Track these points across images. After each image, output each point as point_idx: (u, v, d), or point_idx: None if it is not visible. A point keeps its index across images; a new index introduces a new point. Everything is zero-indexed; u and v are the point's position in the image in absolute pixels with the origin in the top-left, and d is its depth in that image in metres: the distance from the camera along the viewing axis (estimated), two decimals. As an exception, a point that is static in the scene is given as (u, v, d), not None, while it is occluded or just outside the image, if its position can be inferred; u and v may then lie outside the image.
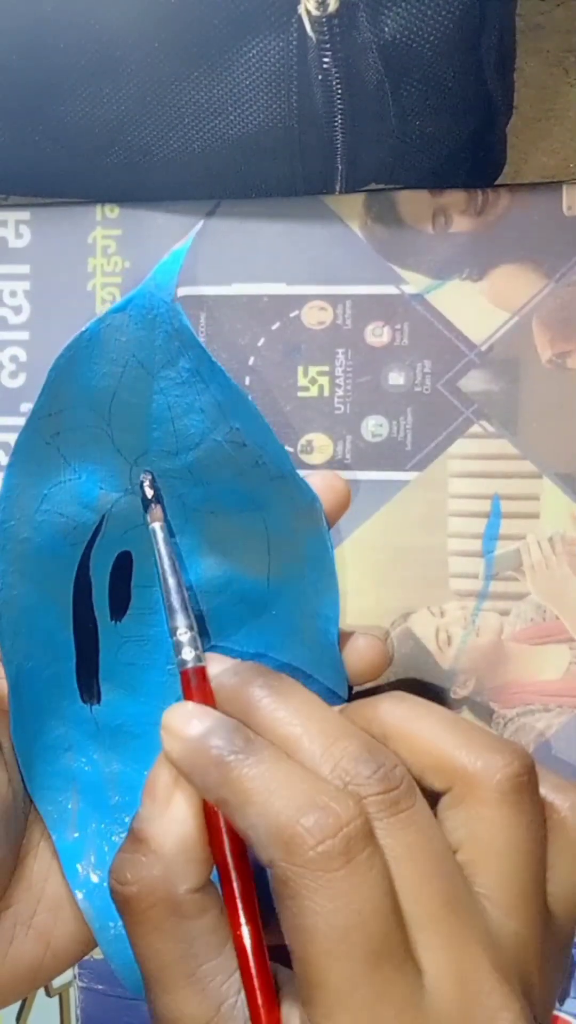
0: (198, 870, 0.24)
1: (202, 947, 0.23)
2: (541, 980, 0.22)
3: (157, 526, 0.27)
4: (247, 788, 0.22)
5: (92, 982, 0.38)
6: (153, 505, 0.27)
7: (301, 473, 0.28)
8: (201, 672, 0.25)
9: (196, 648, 0.25)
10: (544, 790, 0.24)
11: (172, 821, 0.24)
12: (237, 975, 0.23)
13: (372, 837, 0.21)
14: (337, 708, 0.25)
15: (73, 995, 0.38)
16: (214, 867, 0.24)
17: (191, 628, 0.26)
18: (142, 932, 0.23)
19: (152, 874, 0.23)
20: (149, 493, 0.27)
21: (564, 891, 0.24)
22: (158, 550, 0.27)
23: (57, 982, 0.39)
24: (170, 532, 0.27)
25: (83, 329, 0.26)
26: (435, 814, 0.23)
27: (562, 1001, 0.36)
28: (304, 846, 0.20)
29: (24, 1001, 0.39)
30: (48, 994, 0.39)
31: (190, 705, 0.25)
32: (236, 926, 0.23)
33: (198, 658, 0.25)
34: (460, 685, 0.34)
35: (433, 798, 0.23)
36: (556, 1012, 0.36)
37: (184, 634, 0.26)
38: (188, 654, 0.25)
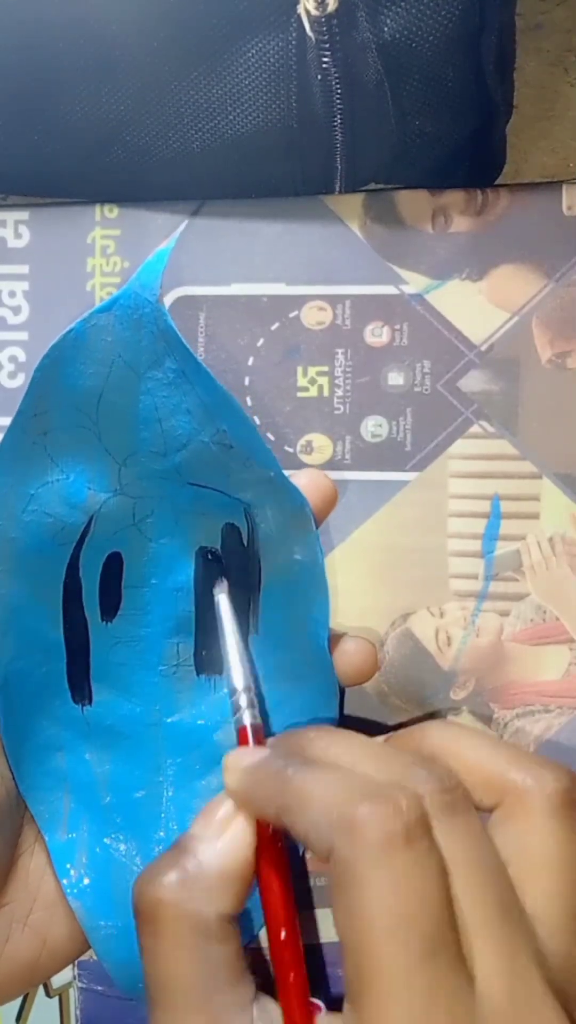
0: (234, 899, 0.24)
1: (219, 976, 0.23)
2: None
3: (223, 597, 0.28)
4: (308, 790, 0.22)
5: (92, 982, 0.38)
6: (221, 578, 0.28)
7: (293, 472, 0.28)
8: (258, 729, 0.26)
9: (253, 707, 0.27)
10: None
11: (224, 845, 0.24)
12: (248, 1010, 0.23)
13: (430, 829, 0.21)
14: (383, 737, 0.26)
15: (73, 995, 0.38)
16: (244, 906, 0.24)
17: (248, 690, 0.27)
18: (162, 944, 0.23)
19: (188, 886, 0.24)
20: (215, 578, 0.28)
21: None
22: (221, 620, 0.28)
23: (57, 982, 0.39)
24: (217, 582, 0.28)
25: (68, 329, 0.25)
26: None
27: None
28: (366, 828, 0.21)
29: (24, 1002, 0.39)
30: (48, 994, 0.39)
31: (244, 747, 0.26)
32: (276, 935, 0.24)
33: (255, 716, 0.27)
34: (460, 686, 0.34)
35: (481, 818, 0.23)
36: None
37: (242, 697, 0.27)
38: (246, 716, 0.27)
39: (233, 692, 0.27)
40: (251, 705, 0.27)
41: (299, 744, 0.25)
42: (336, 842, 0.21)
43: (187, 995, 0.23)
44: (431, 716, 0.34)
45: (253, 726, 0.26)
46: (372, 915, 0.20)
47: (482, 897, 0.21)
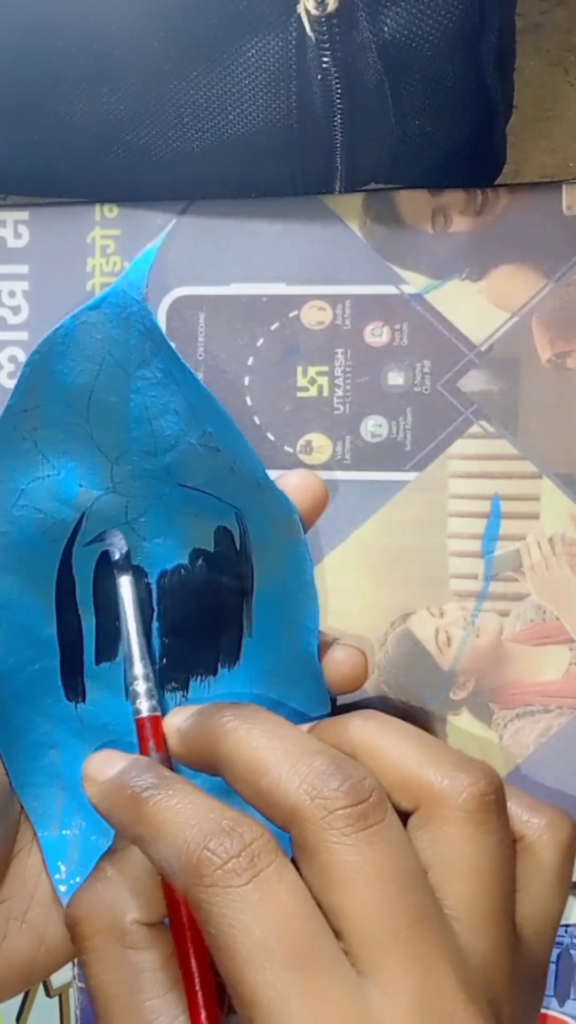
0: (148, 905, 0.24)
1: (148, 982, 0.23)
2: (511, 1004, 0.22)
3: (126, 579, 0.27)
4: (159, 821, 0.22)
5: (91, 983, 0.38)
6: (123, 562, 0.28)
7: (285, 472, 0.27)
8: (155, 720, 0.26)
9: (152, 698, 0.26)
10: (519, 809, 0.24)
11: (131, 855, 0.25)
12: (183, 1018, 0.23)
13: (278, 852, 0.21)
14: (308, 725, 0.25)
15: (73, 995, 0.38)
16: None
17: (148, 679, 0.27)
18: (89, 960, 0.24)
19: (102, 900, 0.24)
20: (120, 550, 0.28)
21: (535, 913, 0.23)
22: (123, 602, 0.27)
23: (57, 982, 0.39)
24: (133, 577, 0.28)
25: (58, 325, 0.25)
26: None
27: (562, 1002, 0.36)
28: (211, 866, 0.21)
29: (24, 1001, 0.39)
30: (48, 994, 0.39)
31: (104, 752, 0.26)
32: (185, 961, 0.23)
33: (153, 708, 0.26)
34: (460, 686, 0.34)
35: (403, 817, 0.23)
36: (557, 1014, 0.36)
37: (141, 685, 0.27)
38: (143, 704, 0.26)
39: (131, 680, 0.27)
40: (150, 696, 0.26)
41: (212, 734, 0.24)
42: (185, 881, 0.21)
43: (116, 1004, 0.23)
44: (432, 716, 0.34)
45: (151, 718, 0.26)
46: (234, 944, 0.20)
47: (393, 910, 0.21)
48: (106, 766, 0.25)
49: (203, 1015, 0.23)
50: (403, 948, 0.20)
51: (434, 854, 0.22)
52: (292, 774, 0.22)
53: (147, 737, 0.26)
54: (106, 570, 0.28)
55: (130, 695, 0.27)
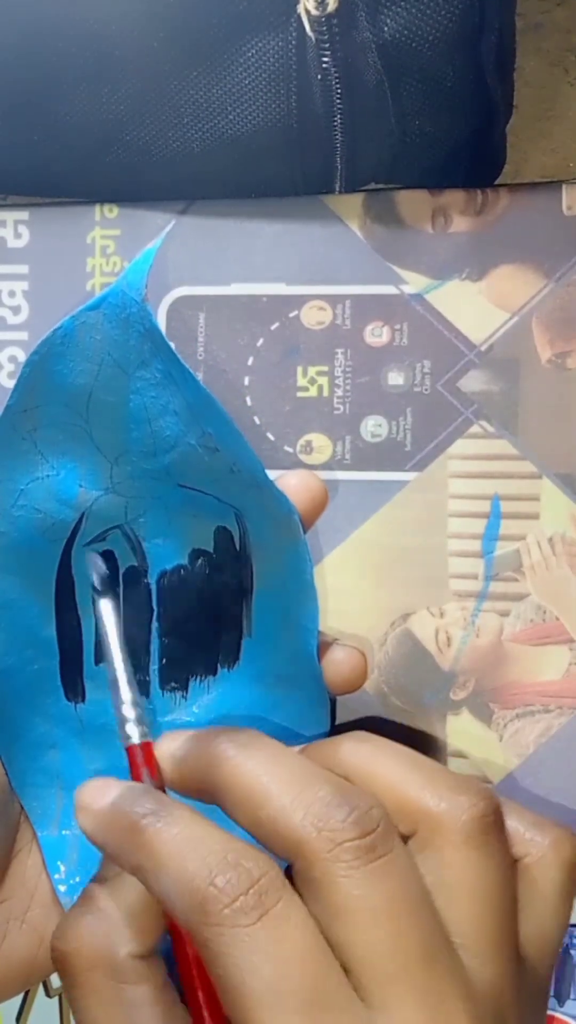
0: (143, 937, 0.23)
1: (143, 1017, 0.22)
2: None
3: (106, 603, 0.27)
4: (160, 852, 0.21)
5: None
6: (101, 582, 0.27)
7: (285, 472, 0.27)
8: (147, 747, 0.25)
9: (142, 724, 0.25)
10: (522, 827, 0.24)
11: (123, 884, 0.24)
12: None
13: (285, 887, 0.21)
14: (298, 748, 0.25)
15: (72, 996, 0.38)
16: (160, 939, 0.24)
17: (136, 705, 0.26)
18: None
19: (94, 933, 0.23)
20: (99, 572, 0.27)
21: (539, 932, 0.23)
22: (104, 627, 0.26)
23: (57, 983, 0.39)
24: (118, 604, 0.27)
25: (57, 325, 0.25)
26: None
27: (562, 1002, 0.36)
28: (218, 905, 0.20)
29: (24, 1001, 0.39)
30: (48, 994, 0.39)
31: (97, 779, 0.24)
32: (191, 990, 0.23)
33: (144, 734, 0.25)
34: (460, 686, 0.34)
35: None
36: (556, 1014, 0.36)
37: (129, 711, 0.25)
38: (133, 730, 0.25)
39: (118, 706, 0.26)
40: (139, 722, 0.25)
41: (209, 761, 0.23)
42: (191, 919, 0.20)
43: None
44: (430, 717, 0.34)
45: (142, 744, 0.25)
46: (242, 986, 0.20)
47: (404, 945, 0.20)
48: (101, 794, 0.24)
49: None
50: (414, 983, 0.20)
51: (435, 879, 0.22)
52: (296, 805, 0.21)
53: (139, 764, 0.25)
54: (100, 569, 0.28)
55: (118, 722, 0.26)
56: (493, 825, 0.22)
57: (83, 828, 0.24)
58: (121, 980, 0.23)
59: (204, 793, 0.23)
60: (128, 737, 0.25)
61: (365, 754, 0.23)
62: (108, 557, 0.28)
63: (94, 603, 0.27)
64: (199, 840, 0.21)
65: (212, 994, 0.23)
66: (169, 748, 0.25)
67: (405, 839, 0.22)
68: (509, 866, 0.23)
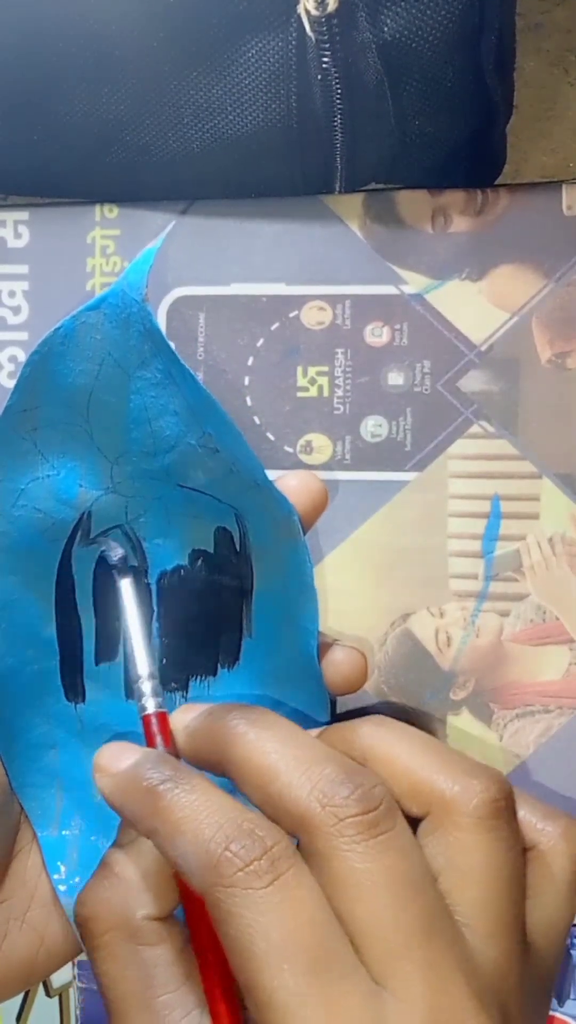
0: (159, 899, 0.24)
1: (161, 977, 0.23)
2: (520, 1011, 0.22)
3: (126, 583, 0.27)
4: (177, 817, 0.22)
5: (91, 982, 0.38)
6: (121, 565, 0.27)
7: (285, 472, 0.27)
8: (162, 717, 0.26)
9: (158, 695, 0.26)
10: (533, 817, 0.24)
11: (139, 849, 0.24)
12: (196, 1012, 0.23)
13: (296, 857, 0.21)
14: (317, 731, 0.25)
15: (73, 995, 0.38)
16: (178, 904, 0.24)
17: (153, 677, 0.26)
18: (100, 958, 0.24)
19: (110, 897, 0.24)
20: (117, 554, 0.27)
21: (546, 920, 0.23)
22: (125, 606, 0.27)
23: (57, 982, 0.39)
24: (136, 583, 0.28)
25: (57, 325, 0.25)
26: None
27: (562, 1002, 0.36)
28: (233, 867, 0.21)
29: (24, 1001, 0.39)
30: (48, 994, 0.39)
31: (116, 744, 0.25)
32: (203, 956, 0.23)
33: (159, 704, 0.26)
34: (460, 686, 0.34)
35: (413, 824, 0.23)
36: (556, 1014, 0.36)
37: (146, 684, 0.26)
38: (149, 701, 0.26)
39: (136, 679, 0.26)
40: (156, 693, 0.26)
41: (223, 737, 0.24)
42: (206, 880, 0.21)
43: (128, 1000, 0.23)
44: (430, 717, 0.34)
45: (157, 714, 0.26)
46: (252, 945, 0.20)
47: (405, 917, 0.21)
48: (119, 757, 0.25)
49: (225, 1010, 0.23)
50: (416, 956, 0.20)
51: (445, 860, 0.22)
52: (303, 781, 0.22)
53: (154, 733, 0.26)
54: (106, 570, 0.28)
55: (135, 694, 0.26)
56: (504, 810, 0.23)
57: (101, 790, 0.25)
58: (138, 941, 0.23)
59: (216, 766, 0.24)
60: (144, 708, 0.26)
61: (382, 737, 0.24)
62: (108, 557, 0.28)
63: (115, 583, 0.28)
64: (215, 807, 0.22)
65: (223, 960, 0.23)
66: (183, 720, 0.26)
67: (419, 820, 0.23)
68: (518, 851, 0.23)
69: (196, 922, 0.24)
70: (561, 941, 0.24)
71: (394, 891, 0.21)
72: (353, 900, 0.21)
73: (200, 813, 0.22)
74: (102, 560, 0.28)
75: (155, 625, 0.29)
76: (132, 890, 0.24)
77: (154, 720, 0.26)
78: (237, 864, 0.21)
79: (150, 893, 0.24)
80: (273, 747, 0.23)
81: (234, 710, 0.24)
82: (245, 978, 0.21)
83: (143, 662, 0.26)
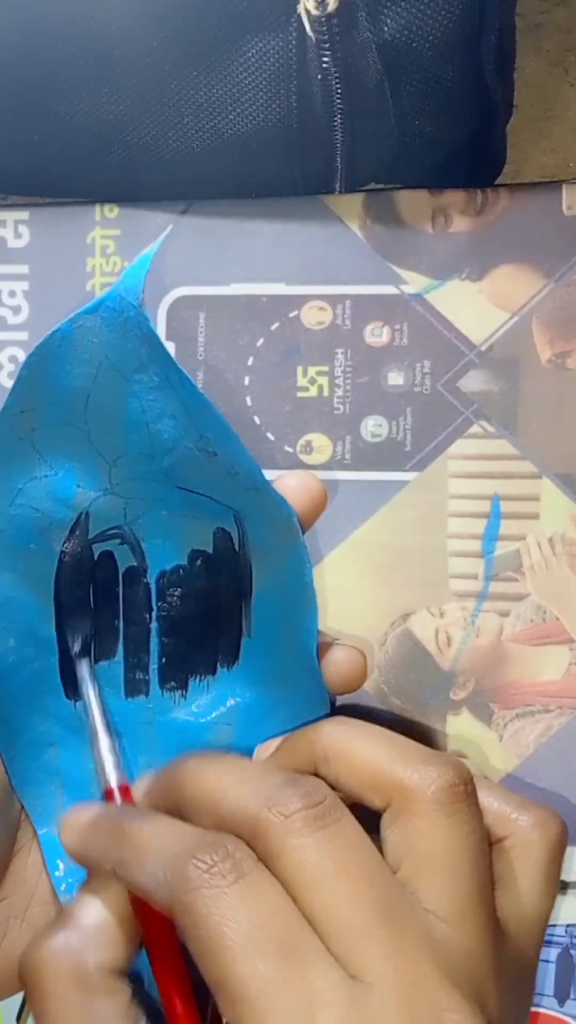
0: (113, 950, 0.24)
1: None
2: (499, 999, 0.22)
3: (84, 664, 0.28)
4: (144, 840, 0.23)
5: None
6: (79, 648, 0.28)
7: (284, 472, 0.27)
8: (124, 789, 0.27)
9: (119, 769, 0.27)
10: (508, 808, 0.25)
11: (97, 901, 0.25)
12: None
13: (258, 863, 0.22)
14: (280, 738, 0.27)
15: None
16: (134, 958, 0.25)
17: (113, 752, 0.27)
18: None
19: (63, 945, 0.24)
20: (76, 646, 0.28)
21: (522, 910, 0.24)
22: (83, 684, 0.28)
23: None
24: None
25: (55, 328, 0.25)
26: (379, 834, 0.23)
27: (562, 1002, 0.36)
28: (197, 872, 0.21)
29: (24, 1000, 0.39)
30: (48, 994, 0.39)
31: (79, 804, 0.27)
32: (169, 995, 0.24)
33: (121, 778, 0.27)
34: (460, 686, 0.34)
35: (376, 817, 0.24)
36: (557, 1014, 0.36)
37: (108, 759, 0.27)
38: (112, 777, 0.27)
39: (97, 756, 0.27)
40: (117, 767, 0.27)
41: (175, 783, 0.25)
42: (174, 888, 0.22)
43: None
44: (430, 717, 0.34)
45: (120, 787, 0.27)
46: (220, 937, 0.21)
47: (360, 901, 0.21)
48: (82, 812, 0.26)
49: None
50: (376, 938, 0.21)
51: (406, 848, 0.23)
52: (250, 793, 0.23)
53: (118, 803, 0.27)
54: (105, 569, 0.28)
55: (97, 771, 0.27)
56: (463, 795, 0.23)
57: (67, 846, 0.26)
58: (88, 991, 0.23)
59: (174, 812, 0.25)
60: (108, 782, 0.27)
61: (341, 734, 0.25)
62: (108, 557, 0.28)
63: (76, 670, 0.28)
64: (178, 830, 0.23)
65: (188, 994, 0.23)
66: (141, 786, 0.27)
67: (380, 813, 0.24)
68: (481, 835, 0.23)
69: (160, 958, 0.24)
70: (539, 932, 0.24)
71: (346, 879, 0.21)
72: (309, 891, 0.21)
73: (164, 834, 0.23)
74: (101, 559, 0.28)
75: (154, 625, 0.29)
76: (87, 938, 0.24)
77: (116, 793, 0.27)
78: (203, 868, 0.21)
79: (105, 943, 0.24)
80: (220, 774, 0.24)
81: (184, 758, 0.25)
82: (217, 974, 0.21)
83: (103, 739, 0.27)
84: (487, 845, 0.24)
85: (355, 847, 0.22)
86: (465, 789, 0.23)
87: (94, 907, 0.25)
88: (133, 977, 0.24)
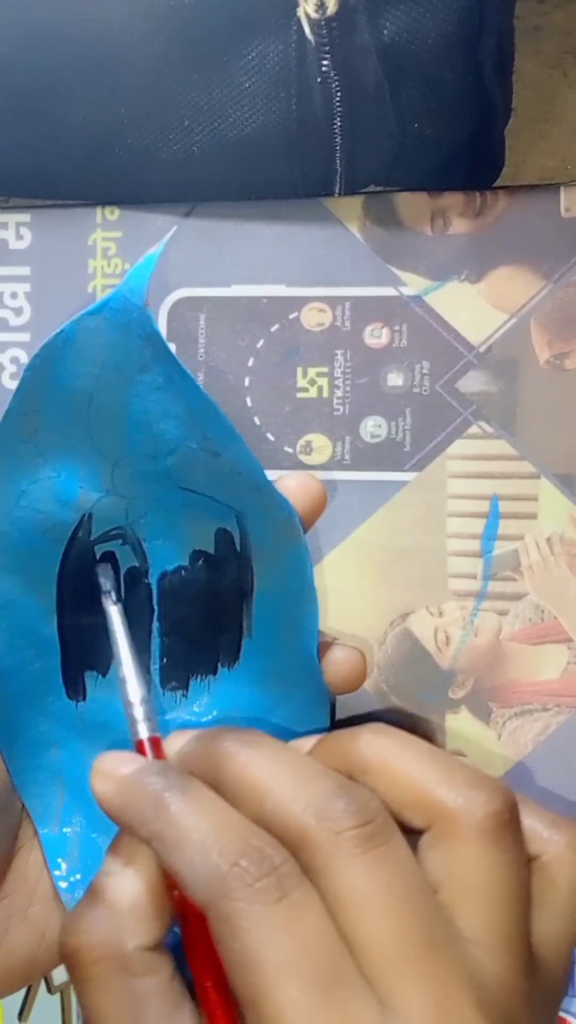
0: (150, 928, 0.23)
1: (152, 1009, 0.22)
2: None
3: (114, 610, 0.27)
4: (185, 825, 0.22)
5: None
6: (111, 590, 0.28)
7: (284, 473, 0.28)
8: (155, 741, 0.26)
9: (150, 720, 0.26)
10: (540, 826, 0.24)
11: (129, 876, 0.24)
12: None
13: (302, 878, 0.21)
14: (315, 739, 0.25)
15: (74, 992, 0.39)
16: (169, 931, 0.24)
17: (145, 702, 0.26)
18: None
19: (101, 927, 0.23)
20: (108, 582, 0.28)
21: (553, 932, 0.23)
22: (114, 631, 0.27)
23: (59, 979, 0.39)
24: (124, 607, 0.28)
25: (59, 330, 0.26)
26: (415, 852, 0.23)
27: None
28: (241, 883, 0.21)
29: (25, 998, 0.39)
30: (50, 991, 0.39)
31: (117, 751, 0.25)
32: (201, 974, 0.23)
33: (152, 729, 0.26)
34: (459, 685, 0.34)
35: (414, 835, 0.23)
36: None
37: (138, 710, 0.26)
38: (142, 728, 0.26)
39: (129, 705, 0.26)
40: (148, 718, 0.26)
41: (216, 758, 0.24)
42: (213, 893, 0.21)
43: None
44: (429, 716, 0.34)
45: (151, 739, 0.26)
46: (260, 959, 0.20)
47: (405, 931, 0.21)
48: (122, 763, 0.24)
49: None
50: (417, 971, 0.20)
51: (447, 873, 0.22)
52: (297, 797, 0.22)
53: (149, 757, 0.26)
54: (107, 571, 0.28)
55: (128, 720, 0.26)
56: (508, 823, 0.22)
57: (100, 793, 0.24)
58: (129, 972, 0.23)
59: (210, 784, 0.24)
60: (137, 733, 0.26)
61: (382, 747, 0.24)
62: (109, 558, 0.28)
63: (104, 609, 0.28)
64: (222, 819, 0.22)
65: (223, 979, 0.23)
66: (175, 744, 0.25)
67: (420, 833, 0.23)
68: (523, 864, 0.23)
69: (195, 942, 0.24)
70: (568, 952, 0.23)
71: (394, 907, 0.21)
72: (354, 917, 0.21)
73: (207, 823, 0.22)
74: (104, 560, 0.28)
75: (156, 625, 0.29)
76: (123, 919, 0.23)
77: (147, 744, 0.26)
78: (246, 880, 0.21)
79: (142, 922, 0.23)
80: (265, 765, 0.23)
81: (225, 732, 0.24)
82: (251, 994, 0.20)
83: (135, 689, 0.27)
84: (528, 874, 0.23)
85: (403, 872, 0.21)
86: (510, 817, 0.22)
87: (124, 882, 0.24)
88: (174, 950, 0.24)
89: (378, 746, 0.24)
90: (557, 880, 0.23)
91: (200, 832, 0.22)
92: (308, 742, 0.26)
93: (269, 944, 0.20)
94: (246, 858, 0.21)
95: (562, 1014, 0.36)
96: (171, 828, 0.22)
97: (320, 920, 0.21)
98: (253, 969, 0.20)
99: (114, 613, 0.28)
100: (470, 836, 0.22)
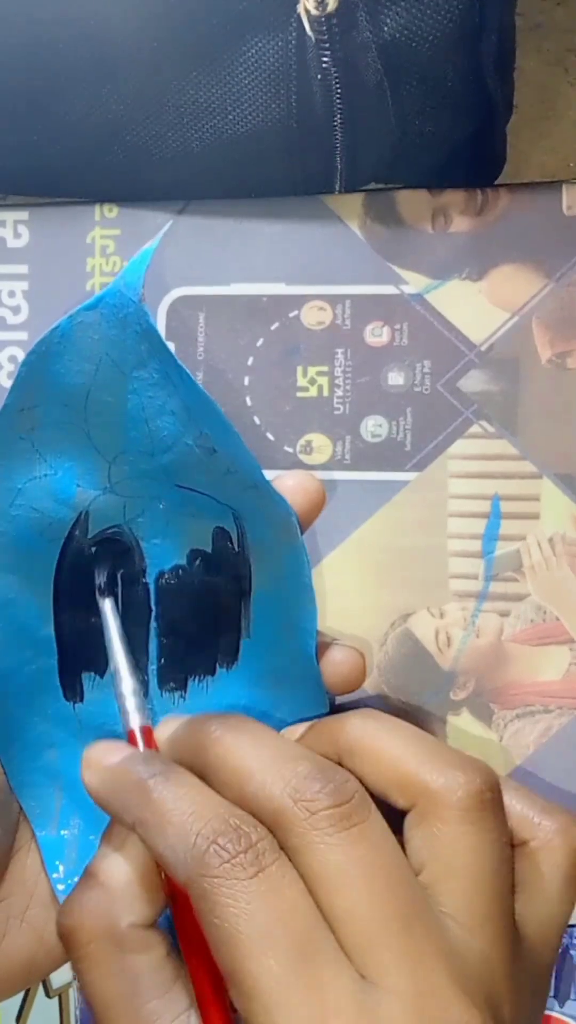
0: (143, 906, 0.24)
1: (147, 984, 0.23)
2: (513, 1004, 0.22)
3: (108, 602, 0.28)
4: (166, 809, 0.23)
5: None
6: (103, 584, 0.28)
7: (283, 472, 0.27)
8: (147, 731, 0.27)
9: (142, 711, 0.27)
10: (531, 811, 0.24)
11: (122, 858, 0.25)
12: (184, 1016, 0.23)
13: (280, 853, 0.22)
14: (305, 725, 0.26)
15: (73, 996, 0.38)
16: (163, 911, 0.24)
17: (136, 694, 0.27)
18: (85, 968, 0.24)
19: (96, 906, 0.24)
20: (102, 575, 0.28)
21: (541, 915, 0.23)
22: (107, 623, 0.28)
23: (57, 982, 0.39)
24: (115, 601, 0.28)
25: (55, 325, 0.25)
26: (402, 833, 0.23)
27: (562, 1003, 0.36)
28: (219, 859, 0.21)
29: (24, 1001, 0.39)
30: (48, 994, 0.39)
31: (106, 741, 0.26)
32: (192, 957, 0.24)
33: (144, 720, 0.27)
34: (460, 686, 0.34)
35: (400, 816, 0.23)
36: (556, 1014, 0.36)
37: (130, 701, 0.27)
38: (134, 719, 0.27)
39: (119, 696, 0.27)
40: (139, 709, 0.27)
41: (200, 742, 0.24)
42: (192, 871, 0.21)
43: (116, 1009, 0.23)
44: (430, 717, 0.34)
45: (142, 728, 0.26)
46: (237, 931, 0.21)
47: (381, 905, 0.21)
48: (109, 753, 0.25)
49: (216, 1011, 0.23)
50: (393, 943, 0.21)
51: (429, 852, 0.22)
52: (276, 779, 0.23)
53: (140, 746, 0.26)
54: (104, 570, 0.28)
55: (120, 711, 0.27)
56: (490, 802, 0.23)
57: (88, 783, 0.25)
58: (124, 949, 0.24)
59: (196, 771, 0.24)
60: (128, 723, 0.27)
61: (369, 729, 0.24)
62: (106, 556, 0.28)
63: (97, 602, 0.28)
64: (203, 802, 0.23)
65: (212, 961, 0.23)
66: (165, 732, 0.26)
67: (404, 813, 0.23)
68: (504, 843, 0.23)
69: (184, 923, 0.24)
70: (556, 937, 0.24)
71: (369, 881, 0.21)
72: (330, 892, 0.21)
73: (188, 806, 0.23)
74: (101, 559, 0.28)
75: (153, 625, 0.29)
76: (117, 898, 0.24)
77: (139, 733, 0.26)
78: (224, 856, 0.21)
79: (134, 901, 0.24)
80: (247, 749, 0.23)
81: (212, 718, 0.25)
82: (230, 967, 0.21)
83: (126, 679, 0.27)
84: (510, 852, 0.23)
85: (380, 849, 0.22)
86: (492, 796, 0.23)
87: (118, 864, 0.25)
88: (169, 928, 0.25)
89: (364, 729, 0.24)
90: (545, 865, 0.24)
91: (180, 816, 0.22)
92: (300, 728, 0.26)
93: (246, 917, 0.21)
94: (223, 836, 0.22)
95: (561, 1016, 0.36)
96: (153, 814, 0.23)
97: (297, 894, 0.21)
98: (231, 942, 0.21)
99: (105, 606, 0.28)
100: (451, 815, 0.22)
